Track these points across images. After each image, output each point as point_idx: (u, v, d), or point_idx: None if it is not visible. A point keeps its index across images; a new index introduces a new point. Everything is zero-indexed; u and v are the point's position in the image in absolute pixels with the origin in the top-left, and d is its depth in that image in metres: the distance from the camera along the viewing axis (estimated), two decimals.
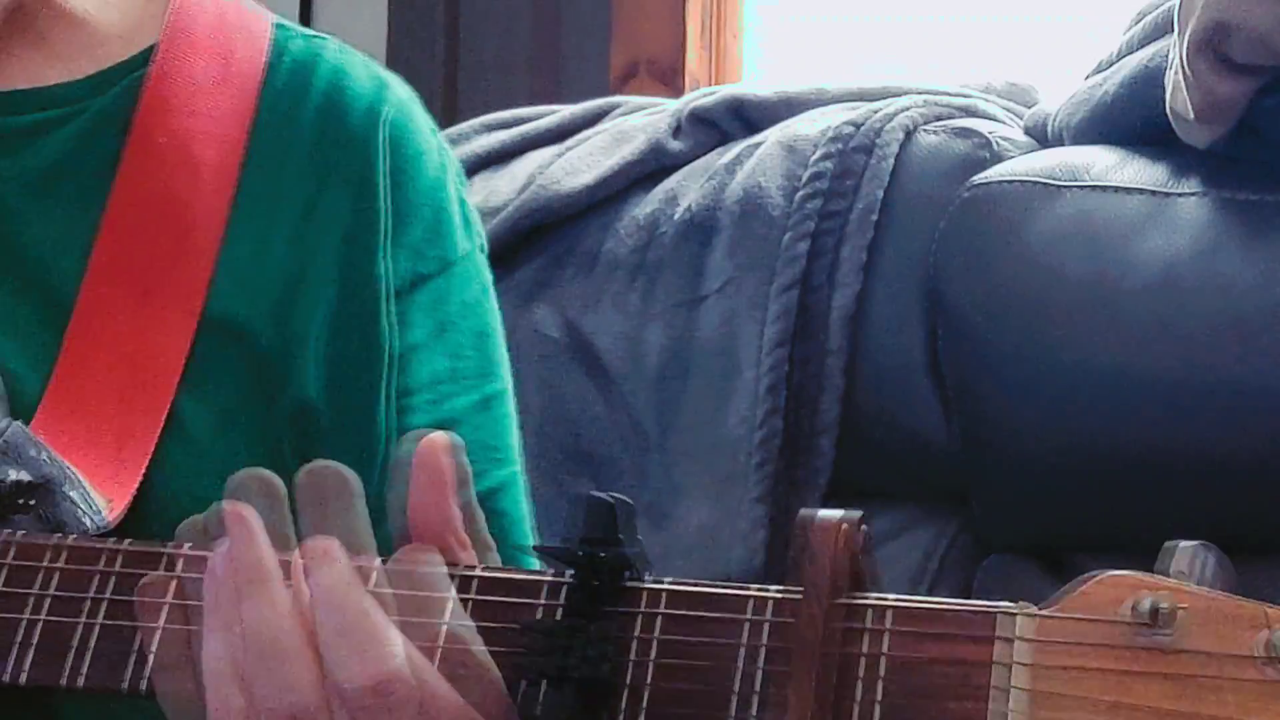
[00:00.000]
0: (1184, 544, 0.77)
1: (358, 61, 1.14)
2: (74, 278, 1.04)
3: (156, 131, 1.07)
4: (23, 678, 0.87)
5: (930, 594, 1.54)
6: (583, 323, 1.69)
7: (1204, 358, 1.42)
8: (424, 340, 1.10)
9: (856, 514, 0.78)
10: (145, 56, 1.10)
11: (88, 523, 0.96)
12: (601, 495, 0.82)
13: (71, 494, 0.96)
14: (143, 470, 1.00)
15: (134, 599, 0.86)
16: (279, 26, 1.14)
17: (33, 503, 0.94)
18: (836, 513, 0.78)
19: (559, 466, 1.66)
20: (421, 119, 1.15)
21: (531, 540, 1.12)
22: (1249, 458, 1.42)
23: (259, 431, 1.05)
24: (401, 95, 1.14)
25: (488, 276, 1.16)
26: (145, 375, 1.03)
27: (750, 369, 1.60)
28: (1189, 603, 0.75)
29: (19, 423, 0.97)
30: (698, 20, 2.42)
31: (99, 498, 0.97)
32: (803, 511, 0.79)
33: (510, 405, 1.14)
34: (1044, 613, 0.76)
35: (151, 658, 0.85)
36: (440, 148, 1.15)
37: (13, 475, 0.94)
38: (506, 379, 1.14)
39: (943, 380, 1.55)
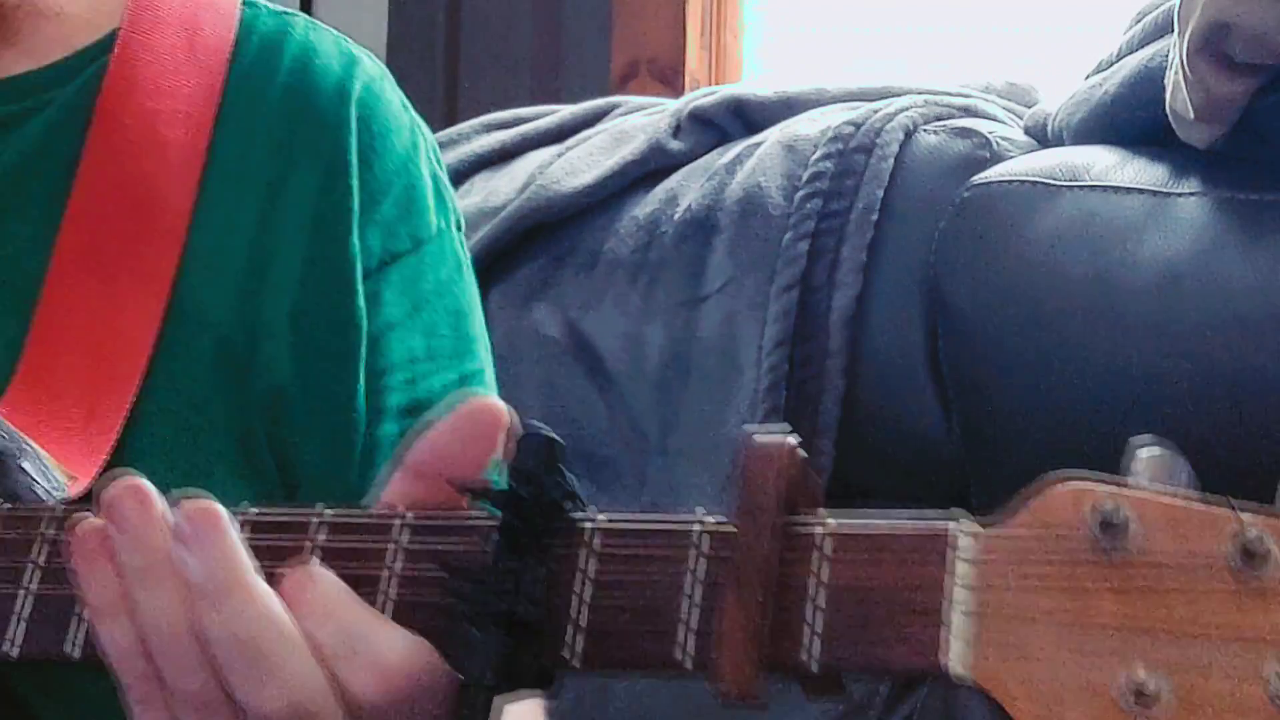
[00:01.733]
0: (1151, 449, 0.73)
1: (327, 38, 1.13)
2: (41, 267, 1.03)
3: (122, 113, 1.06)
4: None
5: None
6: (583, 323, 1.69)
7: (1204, 358, 1.42)
8: (399, 319, 1.09)
9: (792, 438, 0.74)
10: (111, 40, 1.09)
11: (45, 497, 0.94)
12: (536, 428, 0.78)
13: (26, 466, 0.94)
14: (108, 451, 0.99)
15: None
16: (248, 4, 1.13)
17: None
18: (773, 437, 0.74)
19: None
20: (392, 95, 1.13)
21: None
22: (1248, 458, 1.42)
23: (229, 417, 1.04)
24: (371, 71, 1.13)
25: (464, 254, 1.14)
26: (113, 359, 1.02)
27: (750, 369, 1.60)
28: (1150, 511, 0.71)
29: None
30: (698, 20, 2.42)
31: (60, 474, 0.96)
32: (741, 431, 0.75)
33: (490, 383, 1.13)
34: (990, 531, 0.73)
35: (88, 611, 0.81)
36: (412, 124, 1.14)
37: None
38: (485, 358, 1.13)
39: (943, 380, 1.54)
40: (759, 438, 0.74)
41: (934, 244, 1.55)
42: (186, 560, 0.78)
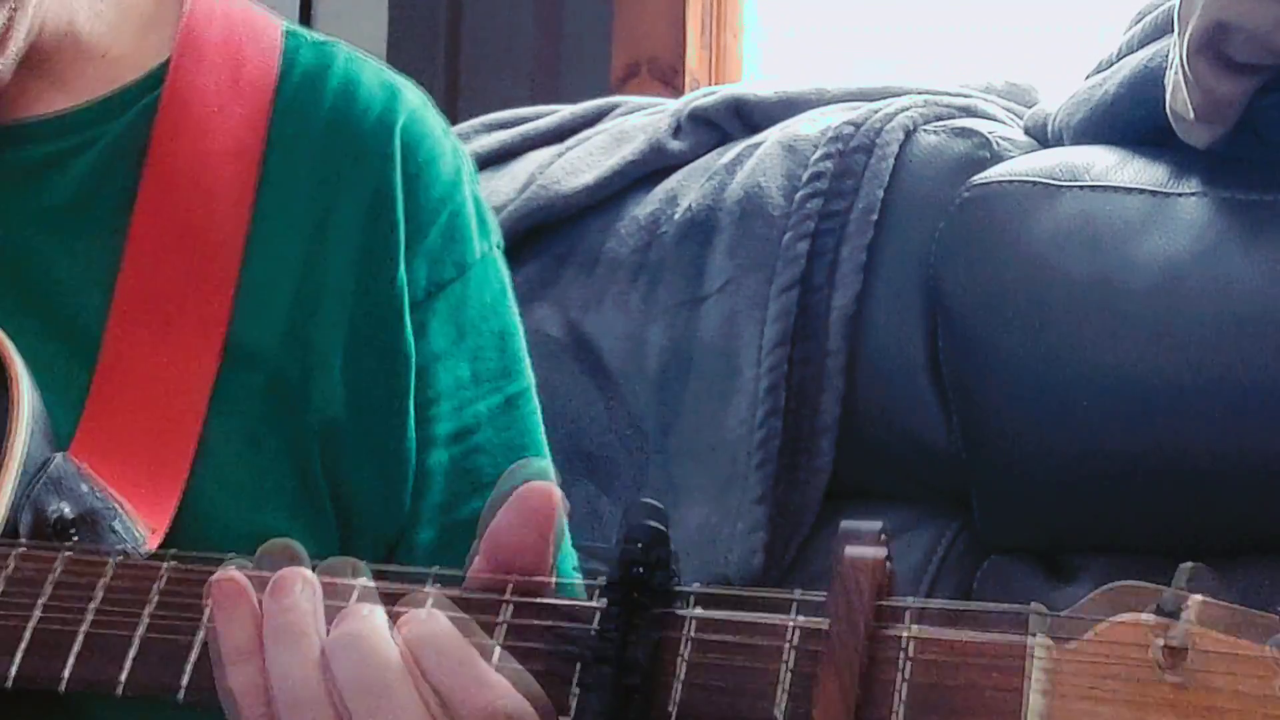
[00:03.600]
0: (1191, 571, 0.78)
1: (368, 69, 1.13)
2: (99, 310, 1.04)
3: (172, 156, 1.06)
4: (63, 685, 0.87)
5: (930, 596, 1.54)
6: (583, 323, 1.69)
7: (1204, 358, 1.42)
8: (445, 348, 1.09)
9: (882, 549, 0.80)
10: (157, 75, 1.09)
11: (131, 554, 0.96)
12: (644, 511, 0.83)
13: (115, 526, 0.96)
14: (178, 497, 1.00)
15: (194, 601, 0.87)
16: (290, 34, 1.13)
17: (77, 537, 0.94)
18: (866, 548, 0.80)
19: (559, 467, 1.65)
20: (435, 123, 1.13)
21: (565, 536, 1.13)
22: (1249, 458, 1.41)
23: (286, 454, 1.04)
24: (413, 101, 1.13)
25: (506, 275, 1.15)
26: (174, 406, 1.02)
27: (750, 369, 1.60)
28: (1208, 641, 0.76)
29: (65, 454, 0.97)
30: (698, 20, 2.42)
31: (141, 528, 0.97)
32: (842, 528, 0.81)
33: (534, 402, 1.14)
34: (1063, 645, 0.78)
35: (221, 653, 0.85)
36: (454, 150, 1.14)
37: (59, 509, 0.94)
38: (529, 376, 1.14)
39: (943, 380, 1.54)
40: (853, 548, 0.80)
41: (934, 244, 1.55)
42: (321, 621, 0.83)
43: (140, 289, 1.04)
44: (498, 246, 1.15)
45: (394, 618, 0.83)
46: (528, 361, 1.14)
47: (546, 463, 0.87)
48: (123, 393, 1.02)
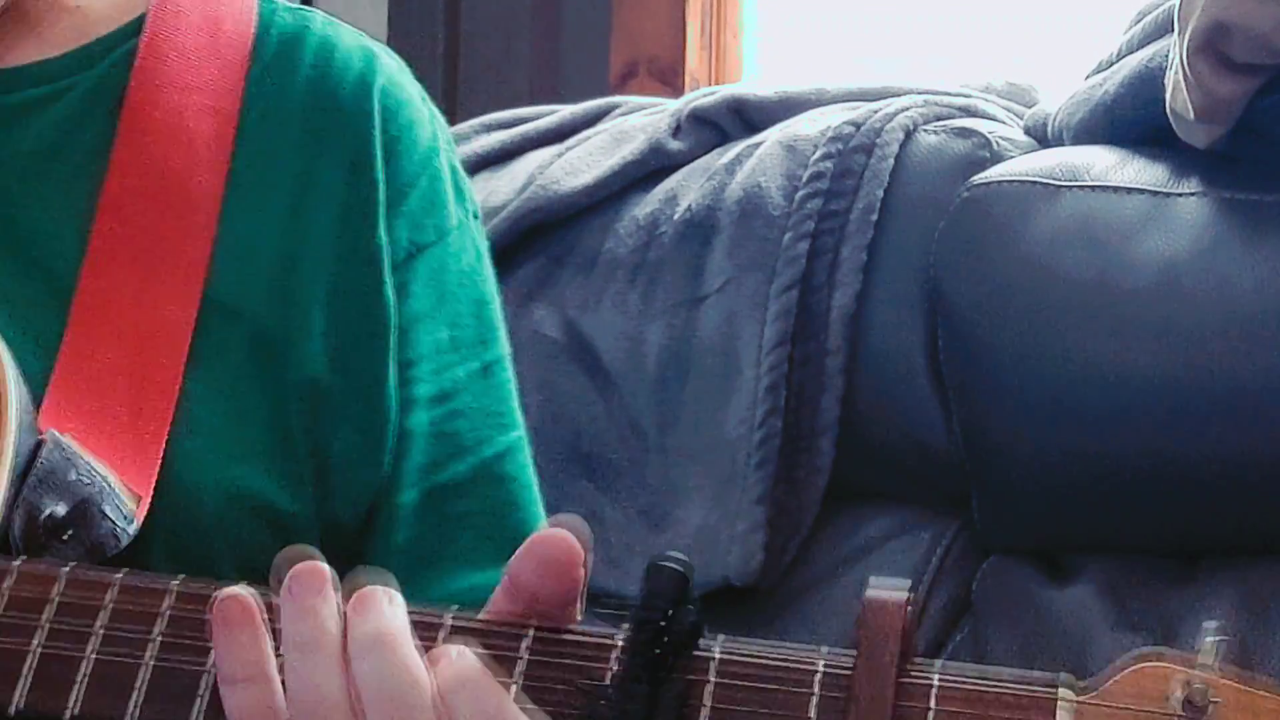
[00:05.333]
0: (1217, 633, 0.78)
1: (345, 33, 1.14)
2: (73, 258, 1.03)
3: (150, 106, 1.07)
4: (69, 714, 0.86)
5: (929, 595, 1.54)
6: (582, 323, 1.69)
7: (1204, 358, 1.42)
8: (425, 310, 1.10)
9: (907, 591, 0.80)
10: (132, 28, 1.09)
11: (122, 536, 0.96)
12: (673, 560, 0.82)
13: (106, 510, 0.96)
14: (161, 449, 1.00)
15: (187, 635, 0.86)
16: (265, 0, 1.14)
17: (69, 536, 0.94)
18: (895, 593, 0.80)
19: (558, 467, 1.66)
20: (412, 88, 1.14)
21: (539, 503, 1.13)
22: (1249, 458, 1.41)
23: (267, 412, 1.04)
24: (391, 66, 1.14)
25: (483, 243, 1.16)
26: (152, 354, 1.02)
27: (750, 369, 1.60)
28: (1230, 694, 0.76)
29: (56, 436, 0.96)
30: (698, 20, 2.42)
31: (127, 497, 0.97)
32: (870, 584, 0.81)
33: (510, 370, 1.14)
34: (1086, 698, 0.78)
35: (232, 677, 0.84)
36: (432, 117, 1.15)
37: (51, 510, 0.94)
38: (504, 344, 1.14)
39: (943, 380, 1.54)
40: (877, 592, 0.80)
41: (934, 244, 1.55)
42: (356, 622, 0.83)
43: (116, 235, 1.04)
44: (475, 216, 1.15)
45: (422, 652, 0.83)
46: (504, 330, 1.15)
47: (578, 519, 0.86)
48: (98, 338, 1.01)
